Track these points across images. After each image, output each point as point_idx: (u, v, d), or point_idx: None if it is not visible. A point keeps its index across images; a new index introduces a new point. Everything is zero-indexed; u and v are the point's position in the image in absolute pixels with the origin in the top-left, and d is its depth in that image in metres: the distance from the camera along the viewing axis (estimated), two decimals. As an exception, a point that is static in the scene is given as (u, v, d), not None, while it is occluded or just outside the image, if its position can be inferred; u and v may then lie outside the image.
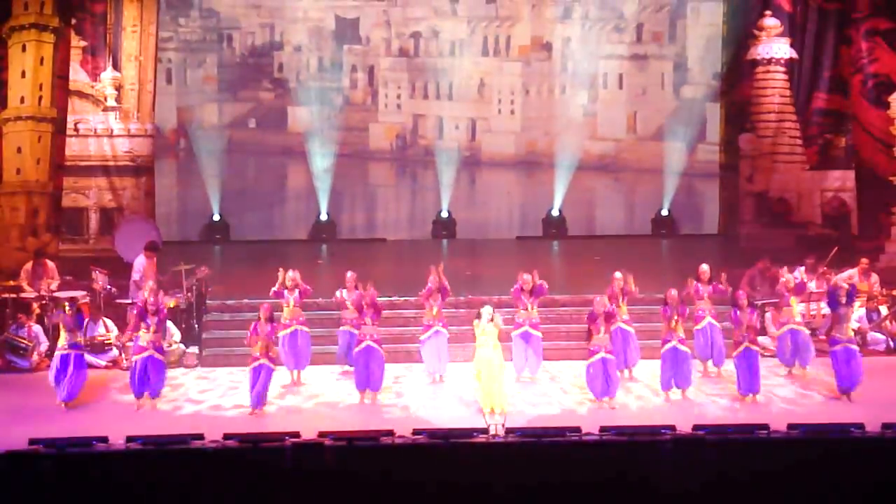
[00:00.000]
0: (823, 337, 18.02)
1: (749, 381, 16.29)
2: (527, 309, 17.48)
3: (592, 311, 16.39)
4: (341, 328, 17.63)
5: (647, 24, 26.10)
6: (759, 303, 18.29)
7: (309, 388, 17.11)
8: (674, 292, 16.70)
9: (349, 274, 17.51)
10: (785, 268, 17.90)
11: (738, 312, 16.51)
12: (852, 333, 16.91)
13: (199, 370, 18.01)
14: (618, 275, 17.53)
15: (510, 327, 17.28)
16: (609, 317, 16.48)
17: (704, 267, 17.69)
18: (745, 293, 16.95)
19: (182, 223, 25.20)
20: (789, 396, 16.55)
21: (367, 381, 16.48)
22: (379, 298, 17.05)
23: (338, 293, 17.56)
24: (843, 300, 16.54)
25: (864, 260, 20.10)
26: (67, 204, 22.33)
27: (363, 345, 16.64)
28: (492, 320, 16.10)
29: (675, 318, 16.54)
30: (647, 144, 26.35)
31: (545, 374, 17.54)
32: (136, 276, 19.13)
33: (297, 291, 17.37)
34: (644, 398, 16.57)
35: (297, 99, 25.84)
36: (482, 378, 15.89)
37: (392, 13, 26.08)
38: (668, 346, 16.48)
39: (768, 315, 18.64)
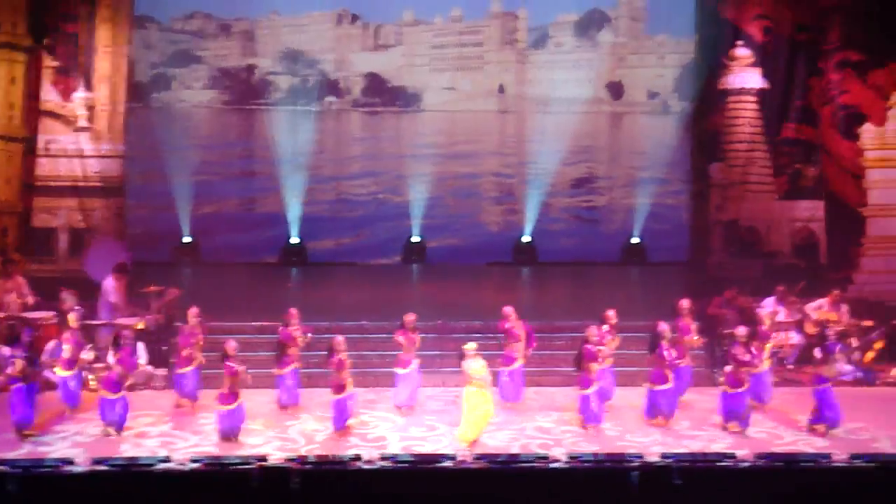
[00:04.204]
0: (791, 367, 18.00)
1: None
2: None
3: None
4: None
5: (621, 52, 26.26)
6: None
7: (280, 415, 17.03)
8: (665, 326, 16.62)
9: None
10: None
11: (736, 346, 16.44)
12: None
13: (166, 393, 17.90)
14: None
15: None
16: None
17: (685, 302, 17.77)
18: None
19: (152, 244, 24.98)
20: (756, 428, 16.54)
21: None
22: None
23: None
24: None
25: (836, 291, 20.24)
26: (37, 224, 22.16)
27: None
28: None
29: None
30: (619, 172, 26.44)
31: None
32: (111, 297, 19.22)
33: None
34: (616, 427, 16.53)
35: (269, 121, 25.81)
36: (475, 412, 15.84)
37: (365, 37, 26.15)
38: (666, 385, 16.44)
39: None
